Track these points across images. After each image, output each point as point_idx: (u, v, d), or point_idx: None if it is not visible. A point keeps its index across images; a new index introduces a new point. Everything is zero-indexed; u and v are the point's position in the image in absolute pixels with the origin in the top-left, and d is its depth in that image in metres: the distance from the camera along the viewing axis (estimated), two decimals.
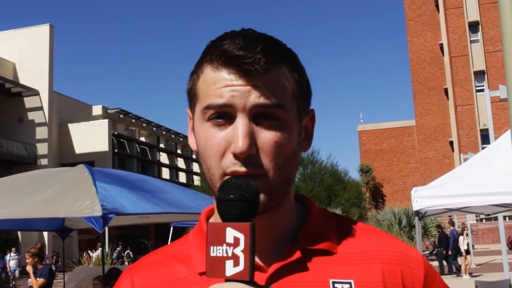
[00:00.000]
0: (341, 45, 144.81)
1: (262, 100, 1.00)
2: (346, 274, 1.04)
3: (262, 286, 0.90)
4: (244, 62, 1.00)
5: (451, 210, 9.07)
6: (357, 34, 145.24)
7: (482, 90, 51.36)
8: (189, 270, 1.09)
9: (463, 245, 20.80)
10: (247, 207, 0.91)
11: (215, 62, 1.02)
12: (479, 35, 56.57)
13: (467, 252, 20.70)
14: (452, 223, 25.92)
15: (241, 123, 0.99)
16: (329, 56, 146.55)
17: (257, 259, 1.04)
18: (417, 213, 8.01)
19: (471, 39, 57.00)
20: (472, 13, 56.78)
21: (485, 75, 55.14)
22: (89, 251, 30.88)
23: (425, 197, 7.73)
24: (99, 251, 29.87)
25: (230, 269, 0.87)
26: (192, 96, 1.09)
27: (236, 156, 0.99)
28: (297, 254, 1.05)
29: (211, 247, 0.89)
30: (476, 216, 42.04)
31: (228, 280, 0.88)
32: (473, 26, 57.06)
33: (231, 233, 0.88)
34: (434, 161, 59.86)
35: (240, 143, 0.97)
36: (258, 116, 1.01)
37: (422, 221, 9.77)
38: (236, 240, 0.88)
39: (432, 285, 1.09)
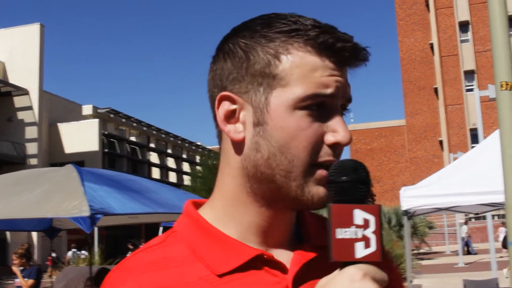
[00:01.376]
0: None
1: (351, 94, 1.00)
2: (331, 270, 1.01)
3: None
4: (355, 56, 0.98)
5: (440, 209, 9.10)
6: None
7: (472, 90, 51.60)
8: (201, 271, 0.97)
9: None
10: (367, 190, 0.92)
11: (316, 47, 0.96)
12: (469, 35, 56.81)
13: None
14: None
15: (340, 114, 0.98)
16: None
17: (276, 257, 1.00)
18: (406, 212, 8.03)
19: (462, 38, 57.25)
20: (463, 13, 57.01)
21: (475, 75, 55.39)
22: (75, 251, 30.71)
23: (414, 197, 7.75)
24: (70, 253, 29.70)
25: (361, 251, 0.86)
26: (265, 78, 0.98)
27: (333, 146, 0.96)
28: (312, 252, 1.02)
29: (337, 229, 0.86)
30: (465, 216, 42.25)
31: (356, 262, 0.86)
32: (463, 26, 57.32)
33: (360, 215, 0.87)
34: (424, 160, 60.06)
35: (345, 133, 0.95)
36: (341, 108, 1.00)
37: (412, 220, 9.80)
38: (366, 221, 0.87)
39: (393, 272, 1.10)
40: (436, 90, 60.31)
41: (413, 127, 60.89)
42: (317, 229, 1.07)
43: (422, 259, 26.98)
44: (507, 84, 4.89)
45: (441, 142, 59.20)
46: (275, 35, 0.97)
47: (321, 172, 0.96)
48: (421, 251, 31.83)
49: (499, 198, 7.22)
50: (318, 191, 0.96)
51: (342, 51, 0.96)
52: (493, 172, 7.00)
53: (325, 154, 0.96)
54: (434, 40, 60.01)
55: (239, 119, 0.99)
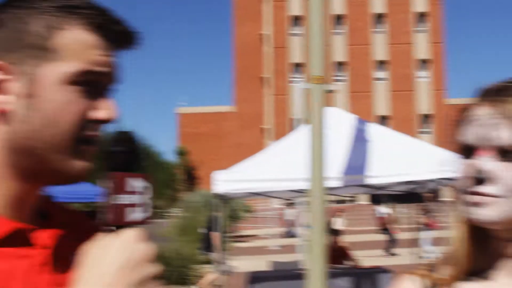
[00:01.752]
0: (164, 27, 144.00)
1: (120, 74, 1.05)
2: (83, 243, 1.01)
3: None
4: (128, 39, 1.03)
5: (254, 194, 9.38)
6: (182, 19, 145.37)
7: (298, 82, 54.06)
8: None
9: None
10: (138, 160, 0.99)
11: (92, 26, 0.99)
12: (300, 29, 59.25)
13: None
14: None
15: (109, 92, 1.02)
16: (150, 38, 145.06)
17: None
18: (217, 195, 8.20)
19: (293, 32, 59.59)
20: (296, 7, 59.35)
21: (303, 68, 57.95)
22: None
23: (225, 181, 7.88)
24: None
25: (133, 215, 0.95)
26: (39, 50, 0.96)
27: (100, 122, 0.99)
28: (59, 227, 1.03)
29: (114, 196, 0.93)
30: (281, 201, 44.08)
31: (128, 225, 0.94)
32: (296, 20, 59.70)
33: (133, 183, 0.96)
34: (250, 147, 61.69)
35: (112, 110, 1.00)
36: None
37: (229, 204, 10.05)
38: (139, 189, 0.97)
39: None
40: (265, 79, 62.29)
41: (242, 114, 62.43)
42: (55, 207, 1.10)
43: (238, 241, 27.84)
44: (318, 78, 5.20)
45: (266, 130, 61.32)
46: (51, 10, 0.98)
47: (85, 147, 0.99)
48: (238, 234, 32.76)
49: (306, 185, 7.61)
50: (81, 165, 0.99)
51: (116, 33, 1.01)
52: (303, 161, 7.35)
53: (91, 129, 0.99)
54: (267, 31, 61.87)
55: (7, 90, 0.96)
